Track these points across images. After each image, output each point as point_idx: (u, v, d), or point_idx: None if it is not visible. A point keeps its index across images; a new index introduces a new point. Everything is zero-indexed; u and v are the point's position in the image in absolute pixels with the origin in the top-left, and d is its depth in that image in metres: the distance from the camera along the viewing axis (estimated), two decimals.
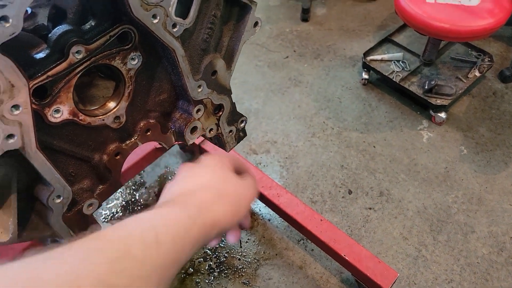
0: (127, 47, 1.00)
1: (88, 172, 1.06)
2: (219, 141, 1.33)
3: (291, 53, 3.56)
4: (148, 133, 1.15)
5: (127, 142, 1.12)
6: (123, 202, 2.64)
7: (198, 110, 1.19)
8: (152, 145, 2.23)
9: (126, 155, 1.11)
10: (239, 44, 1.22)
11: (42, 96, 0.90)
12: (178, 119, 1.19)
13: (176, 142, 1.22)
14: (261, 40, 3.68)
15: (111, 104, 1.04)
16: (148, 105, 1.13)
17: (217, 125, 1.28)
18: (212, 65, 1.17)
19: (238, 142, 1.39)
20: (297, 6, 3.95)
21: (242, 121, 1.37)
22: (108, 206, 2.60)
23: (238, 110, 1.32)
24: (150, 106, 1.13)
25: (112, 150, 1.08)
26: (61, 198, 0.95)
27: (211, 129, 1.27)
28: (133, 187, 2.72)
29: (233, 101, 1.30)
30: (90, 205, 1.04)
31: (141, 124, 1.13)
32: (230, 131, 1.34)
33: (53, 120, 0.93)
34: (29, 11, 1.07)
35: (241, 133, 1.38)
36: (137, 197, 2.66)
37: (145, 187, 2.72)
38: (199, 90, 1.15)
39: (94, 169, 1.07)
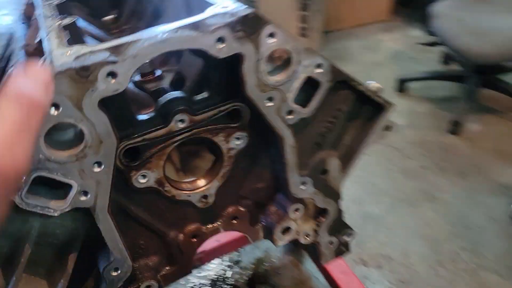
0: (234, 125, 0.91)
1: (158, 249, 0.97)
2: (313, 249, 1.13)
3: (429, 164, 3.22)
4: (234, 221, 1.02)
5: (209, 225, 1.01)
6: (214, 275, 2.52)
7: (296, 209, 1.03)
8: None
9: (204, 239, 0.99)
10: (362, 147, 1.05)
11: (133, 157, 0.85)
12: (271, 214, 1.04)
13: (263, 238, 1.07)
14: (398, 144, 3.42)
15: (201, 182, 0.94)
16: (242, 190, 1.01)
17: (316, 232, 1.10)
18: (324, 163, 1.02)
19: (336, 256, 1.17)
20: (446, 116, 3.63)
21: (348, 234, 1.16)
22: (199, 274, 2.51)
23: (355, 212, 1.12)
24: (244, 192, 1.01)
25: (190, 230, 0.98)
26: (119, 271, 0.85)
27: (307, 235, 1.09)
28: (228, 263, 2.60)
29: (341, 209, 1.11)
30: (149, 286, 0.93)
31: (229, 210, 1.02)
32: (331, 242, 1.14)
33: (136, 185, 0.86)
34: (159, 73, 1.07)
35: (343, 248, 1.16)
36: (228, 275, 2.52)
37: (240, 267, 2.57)
38: (302, 187, 1.00)
39: (166, 247, 0.97)
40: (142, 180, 0.87)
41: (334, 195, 1.07)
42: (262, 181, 1.03)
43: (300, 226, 1.06)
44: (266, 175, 1.02)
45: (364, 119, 1.05)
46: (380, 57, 4.34)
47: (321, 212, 1.10)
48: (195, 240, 1.00)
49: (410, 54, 4.37)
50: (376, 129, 1.04)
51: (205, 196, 0.96)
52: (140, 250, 0.95)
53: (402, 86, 3.81)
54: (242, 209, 1.03)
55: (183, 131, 0.86)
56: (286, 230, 1.05)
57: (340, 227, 1.14)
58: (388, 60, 4.34)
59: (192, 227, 0.99)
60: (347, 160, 1.06)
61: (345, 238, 1.17)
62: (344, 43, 4.51)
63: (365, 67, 4.14)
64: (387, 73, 4.06)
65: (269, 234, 1.05)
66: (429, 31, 3.39)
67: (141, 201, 0.90)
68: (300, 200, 1.03)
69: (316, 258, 1.17)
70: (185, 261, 0.97)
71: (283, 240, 1.05)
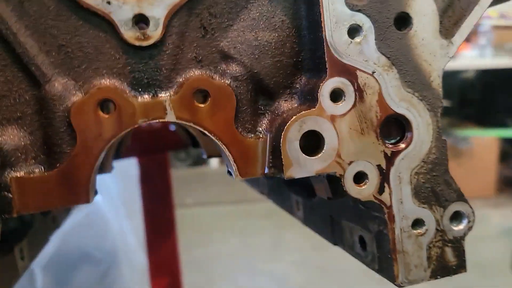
0: None
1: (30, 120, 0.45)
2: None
3: None
4: (200, 104, 0.48)
5: (144, 95, 0.48)
6: None
7: (335, 93, 0.47)
8: None
9: (124, 123, 0.45)
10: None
11: None
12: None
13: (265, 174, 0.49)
14: None
15: None
16: (224, 40, 0.50)
17: (382, 172, 0.48)
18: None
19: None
20: None
21: (462, 216, 0.51)
22: None
23: None
24: (229, 44, 0.50)
25: (101, 91, 0.46)
26: None
27: (359, 175, 0.48)
28: None
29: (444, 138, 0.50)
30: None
31: (192, 75, 0.49)
32: (416, 222, 0.49)
33: None
34: None
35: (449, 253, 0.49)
36: None
37: None
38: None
39: (45, 117, 0.45)
40: None
41: (424, 88, 0.49)
42: (272, 29, 0.51)
43: (348, 143, 0.47)
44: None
45: None
46: (489, 231, 3.56)
47: (396, 124, 0.50)
48: (106, 116, 0.46)
49: None
50: None
51: (143, 19, 0.47)
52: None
53: None
54: (219, 80, 0.49)
55: None
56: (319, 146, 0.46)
57: (442, 186, 0.50)
58: (499, 235, 3.53)
59: (104, 84, 0.47)
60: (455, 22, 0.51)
61: (460, 226, 0.51)
62: None
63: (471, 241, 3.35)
64: (500, 248, 3.23)
65: (276, 153, 0.47)
66: None
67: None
68: (345, 71, 0.47)
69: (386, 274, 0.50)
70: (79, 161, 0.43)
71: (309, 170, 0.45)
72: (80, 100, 0.46)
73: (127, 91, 0.48)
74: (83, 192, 0.47)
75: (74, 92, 0.47)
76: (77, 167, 0.46)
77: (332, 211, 0.65)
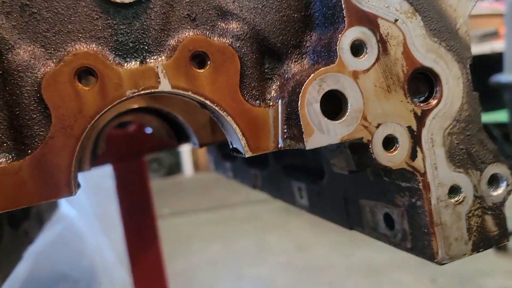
0: None
1: None
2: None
3: None
4: (199, 69, 0.40)
5: (128, 61, 0.40)
6: None
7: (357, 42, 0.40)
8: None
9: (108, 96, 0.37)
10: None
11: None
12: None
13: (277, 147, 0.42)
14: None
15: None
16: None
17: (413, 135, 0.42)
18: None
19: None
20: None
21: (500, 180, 0.45)
22: None
23: None
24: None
25: (78, 59, 0.38)
26: None
27: (388, 139, 0.42)
28: None
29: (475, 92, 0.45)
30: None
31: (186, 36, 0.42)
32: (453, 189, 0.44)
33: None
34: None
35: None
36: None
37: None
38: None
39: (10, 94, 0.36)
40: None
41: (450, 36, 0.44)
42: None
43: (374, 103, 0.40)
44: None
45: None
46: None
47: (423, 77, 0.44)
48: (86, 88, 0.38)
49: None
50: None
51: None
52: None
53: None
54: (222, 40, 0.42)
55: None
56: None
57: (479, 147, 0.45)
58: None
59: (80, 49, 0.39)
60: None
61: (499, 190, 0.45)
62: None
63: None
64: None
65: (293, 120, 0.40)
66: None
67: None
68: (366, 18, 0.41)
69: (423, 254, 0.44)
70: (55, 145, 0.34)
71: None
72: (53, 70, 0.38)
73: (110, 58, 0.40)
74: (64, 183, 0.38)
75: (44, 61, 0.38)
76: (55, 152, 0.37)
77: (347, 191, 0.58)
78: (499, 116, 3.55)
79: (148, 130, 1.46)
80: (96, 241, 2.04)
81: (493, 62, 3.13)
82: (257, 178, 0.96)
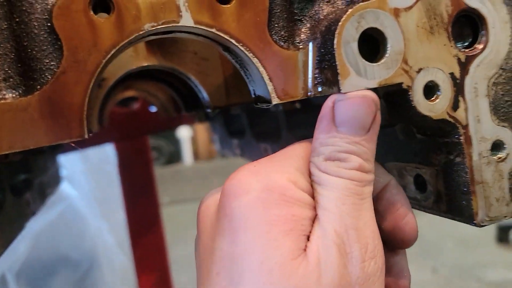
0: None
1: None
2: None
3: None
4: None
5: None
6: None
7: None
8: None
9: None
10: None
11: None
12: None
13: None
14: None
15: None
16: None
17: (456, 83, 0.39)
18: None
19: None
20: None
21: None
22: None
23: None
24: None
25: None
26: None
27: (429, 86, 0.38)
28: None
29: None
30: None
31: None
32: (495, 145, 0.40)
33: None
34: None
35: None
36: None
37: None
38: None
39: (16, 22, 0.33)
40: None
41: None
42: None
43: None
44: None
45: None
46: None
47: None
48: (101, 19, 0.34)
49: None
50: None
51: None
52: None
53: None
54: None
55: None
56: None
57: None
58: None
59: None
60: None
61: None
62: None
63: None
64: None
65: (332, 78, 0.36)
66: None
67: None
68: None
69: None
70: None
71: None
72: None
73: None
74: (75, 123, 0.34)
75: None
76: (66, 88, 0.34)
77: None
78: None
79: (153, 109, 1.43)
80: (97, 224, 2.01)
81: None
82: (267, 152, 0.92)
